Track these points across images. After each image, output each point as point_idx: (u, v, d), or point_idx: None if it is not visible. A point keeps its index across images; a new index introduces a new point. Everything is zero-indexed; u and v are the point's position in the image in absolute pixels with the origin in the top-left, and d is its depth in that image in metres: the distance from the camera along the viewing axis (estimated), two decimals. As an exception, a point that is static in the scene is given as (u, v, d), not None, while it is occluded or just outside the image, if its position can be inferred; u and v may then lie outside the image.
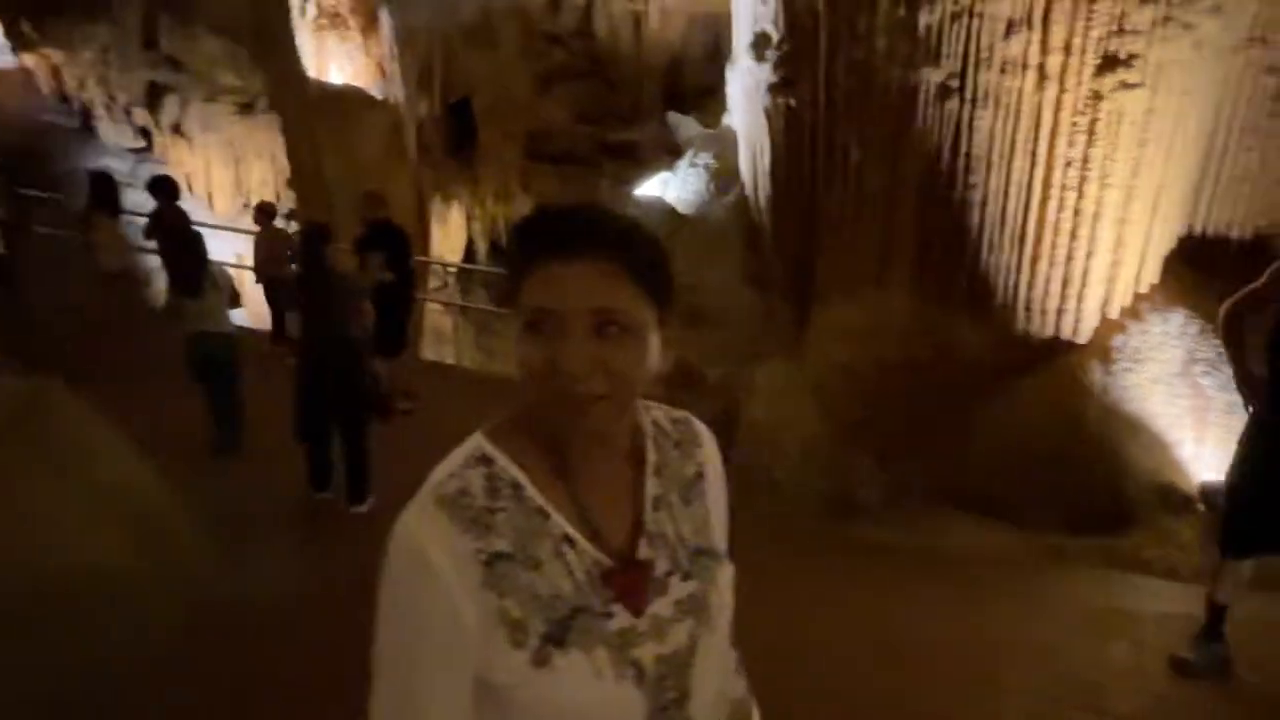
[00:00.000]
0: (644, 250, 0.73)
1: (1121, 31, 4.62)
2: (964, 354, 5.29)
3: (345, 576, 3.65)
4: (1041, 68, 4.79)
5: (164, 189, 6.63)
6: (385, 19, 13.64)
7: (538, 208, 0.76)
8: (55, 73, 10.01)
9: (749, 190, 6.48)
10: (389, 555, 0.72)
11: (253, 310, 7.10)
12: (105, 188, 6.99)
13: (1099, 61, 4.70)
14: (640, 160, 11.20)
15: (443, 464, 0.76)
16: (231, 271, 5.92)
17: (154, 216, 6.71)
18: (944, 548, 4.57)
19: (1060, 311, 5.07)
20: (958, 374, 5.25)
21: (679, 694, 0.77)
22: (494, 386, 7.60)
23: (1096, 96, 4.73)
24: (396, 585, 0.72)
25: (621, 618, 0.74)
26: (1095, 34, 4.68)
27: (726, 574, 0.83)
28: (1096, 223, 4.89)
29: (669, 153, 8.86)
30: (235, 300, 5.06)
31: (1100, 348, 5.04)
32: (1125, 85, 4.66)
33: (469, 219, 14.43)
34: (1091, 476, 4.77)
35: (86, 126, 10.03)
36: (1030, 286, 5.09)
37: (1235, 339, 2.59)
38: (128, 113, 9.98)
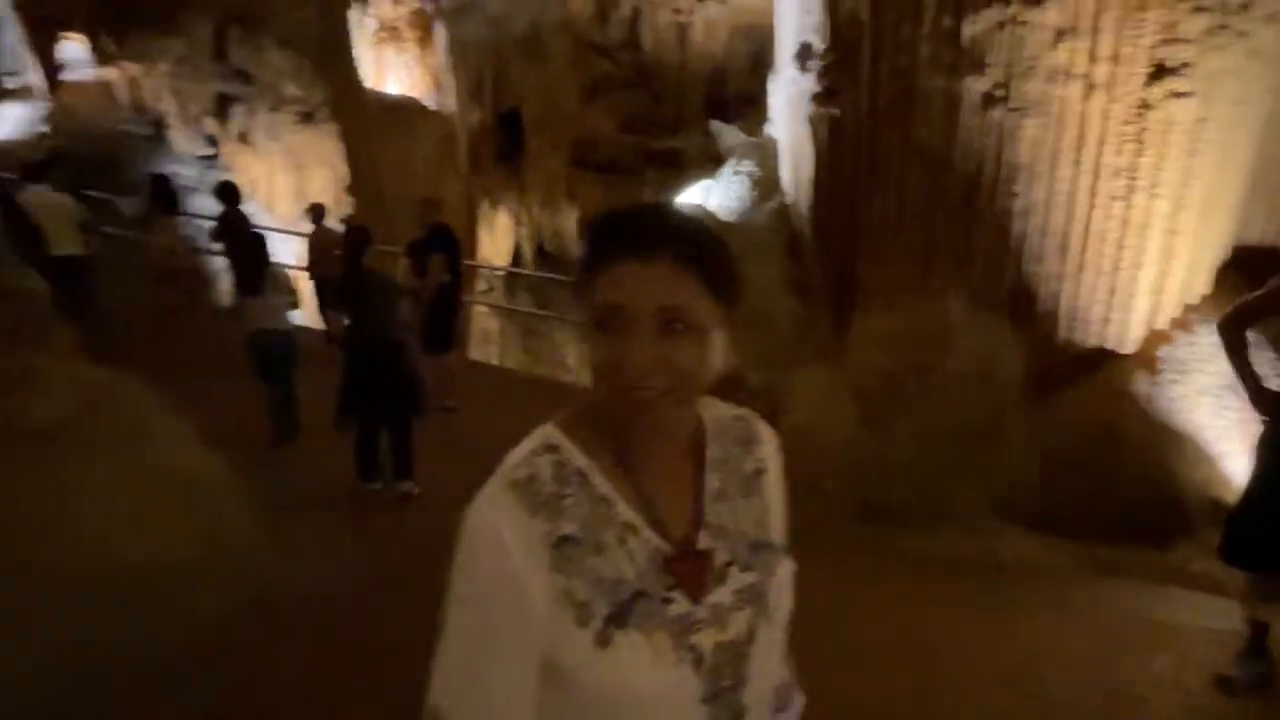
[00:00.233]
0: (712, 251, 0.76)
1: (1172, 40, 4.57)
2: (1007, 363, 5.25)
3: (390, 560, 3.88)
4: (1089, 77, 4.76)
5: (229, 194, 7.00)
6: (440, 32, 14.07)
7: (610, 208, 0.79)
8: (133, 84, 10.57)
9: (790, 198, 6.53)
10: (462, 536, 0.75)
11: (312, 310, 7.41)
12: (164, 190, 7.43)
13: (1149, 70, 4.64)
14: (683, 168, 11.31)
15: (514, 451, 0.80)
16: (292, 273, 6.21)
17: (220, 220, 7.09)
18: (986, 557, 4.53)
19: (1105, 321, 5.00)
20: (1001, 383, 5.21)
21: (735, 680, 0.79)
22: (536, 388, 7.78)
23: (1146, 106, 4.67)
24: (469, 564, 0.75)
25: (681, 604, 0.77)
26: (1145, 43, 4.62)
27: (786, 568, 0.86)
28: (1144, 232, 4.82)
29: (712, 161, 8.94)
30: (295, 300, 5.33)
31: (1146, 358, 4.95)
32: (1176, 94, 4.60)
33: (516, 225, 14.72)
34: (1136, 488, 4.69)
35: (159, 135, 10.56)
36: (1074, 296, 5.03)
37: (1233, 349, 2.62)
38: (198, 122, 10.49)
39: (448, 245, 5.79)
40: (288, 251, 8.19)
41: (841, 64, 5.63)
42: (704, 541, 0.80)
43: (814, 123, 5.87)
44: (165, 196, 7.29)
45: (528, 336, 13.67)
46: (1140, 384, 4.92)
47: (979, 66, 5.02)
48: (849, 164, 5.73)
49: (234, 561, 3.24)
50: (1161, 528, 4.59)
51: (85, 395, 3.18)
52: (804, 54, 5.92)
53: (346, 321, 4.46)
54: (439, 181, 11.98)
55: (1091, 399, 4.98)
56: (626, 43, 13.93)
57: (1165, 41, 4.56)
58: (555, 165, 14.00)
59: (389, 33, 14.28)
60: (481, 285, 13.50)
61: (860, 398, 5.60)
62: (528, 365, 12.70)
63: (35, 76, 11.71)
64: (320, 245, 7.00)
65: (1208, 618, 3.67)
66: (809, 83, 5.85)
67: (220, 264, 7.84)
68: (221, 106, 10.40)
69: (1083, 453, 4.87)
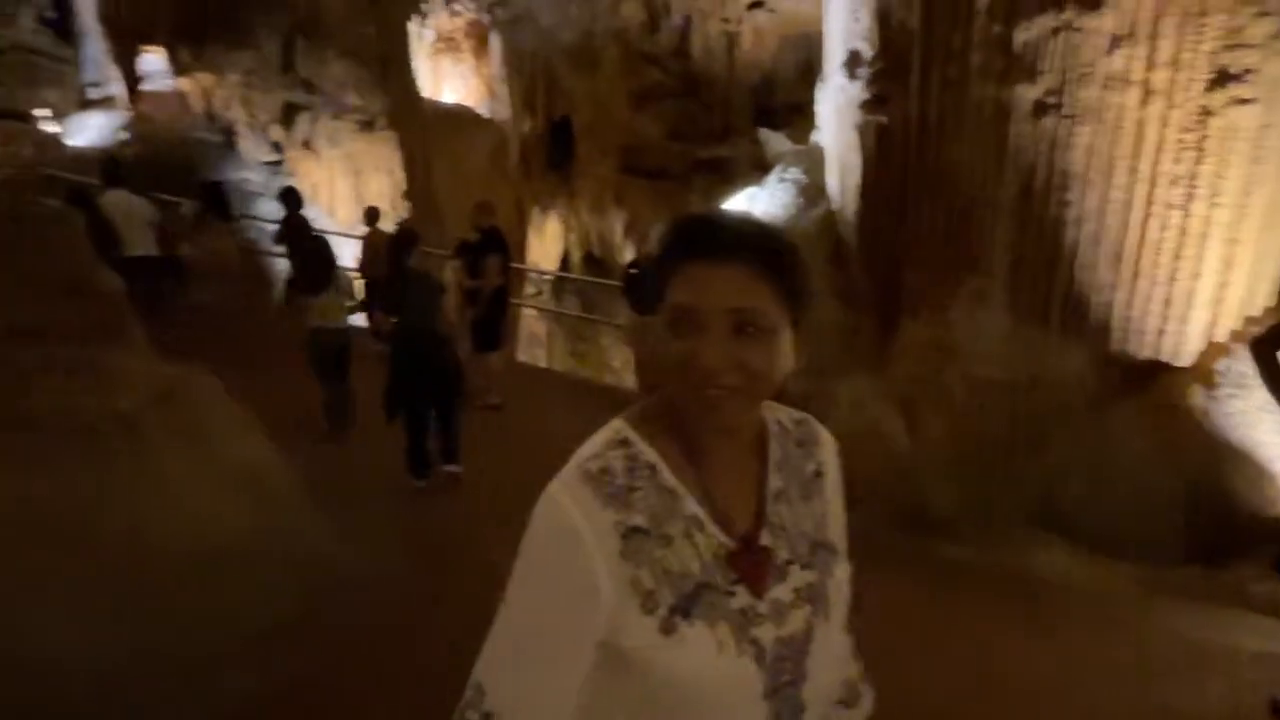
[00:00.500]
0: (784, 255, 0.78)
1: (1235, 45, 4.45)
2: (1058, 374, 5.15)
3: (437, 546, 4.02)
4: (1147, 83, 4.66)
5: (291, 199, 7.32)
6: (495, 43, 14.41)
7: (685, 213, 0.82)
8: (206, 94, 11.08)
9: (836, 205, 6.52)
10: (533, 521, 0.78)
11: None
12: (216, 195, 7.82)
13: (1210, 76, 4.53)
14: (730, 176, 11.34)
15: (587, 444, 0.82)
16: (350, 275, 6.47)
17: (282, 223, 7.41)
18: (1033, 572, 4.44)
19: (1161, 333, 4.87)
20: (1051, 394, 5.12)
21: (794, 676, 0.81)
22: (581, 389, 7.91)
23: (1207, 112, 4.56)
24: (538, 549, 0.77)
25: (743, 597, 0.79)
26: (1206, 48, 4.51)
27: (844, 569, 0.88)
28: (1204, 242, 4.69)
29: (759, 169, 8.97)
30: (355, 304, 5.57)
31: (1203, 371, 4.81)
32: (1238, 101, 4.48)
33: (565, 230, 14.94)
34: (1190, 506, 4.56)
35: (229, 142, 11.05)
36: (1129, 306, 4.91)
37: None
38: (265, 130, 10.95)
39: (499, 248, 5.98)
40: (346, 254, 8.49)
41: (890, 71, 5.62)
42: (765, 538, 0.82)
43: (861, 130, 5.87)
44: (217, 202, 7.66)
45: (575, 340, 13.86)
46: (1197, 398, 4.78)
47: (1031, 73, 4.95)
48: (897, 171, 5.70)
49: (293, 549, 3.39)
50: (1217, 547, 4.45)
51: (159, 389, 3.34)
52: (852, 62, 5.92)
53: (394, 319, 4.67)
54: (491, 187, 12.25)
55: (1145, 413, 4.86)
56: (676, 51, 14.03)
57: (1228, 47, 4.45)
58: (604, 172, 14.18)
59: (446, 43, 14.70)
60: (530, 289, 13.73)
61: (905, 407, 5.56)
62: (574, 368, 12.87)
63: (118, 87, 12.40)
64: (373, 247, 7.27)
65: (1263, 640, 3.56)
66: (857, 90, 5.85)
67: (283, 266, 8.18)
68: (287, 115, 10.85)
69: (1135, 468, 4.75)
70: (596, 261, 14.43)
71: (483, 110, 14.53)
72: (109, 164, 9.08)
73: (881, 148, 5.78)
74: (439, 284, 4.93)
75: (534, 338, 13.90)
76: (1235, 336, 4.83)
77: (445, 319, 4.78)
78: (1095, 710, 2.86)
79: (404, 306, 4.59)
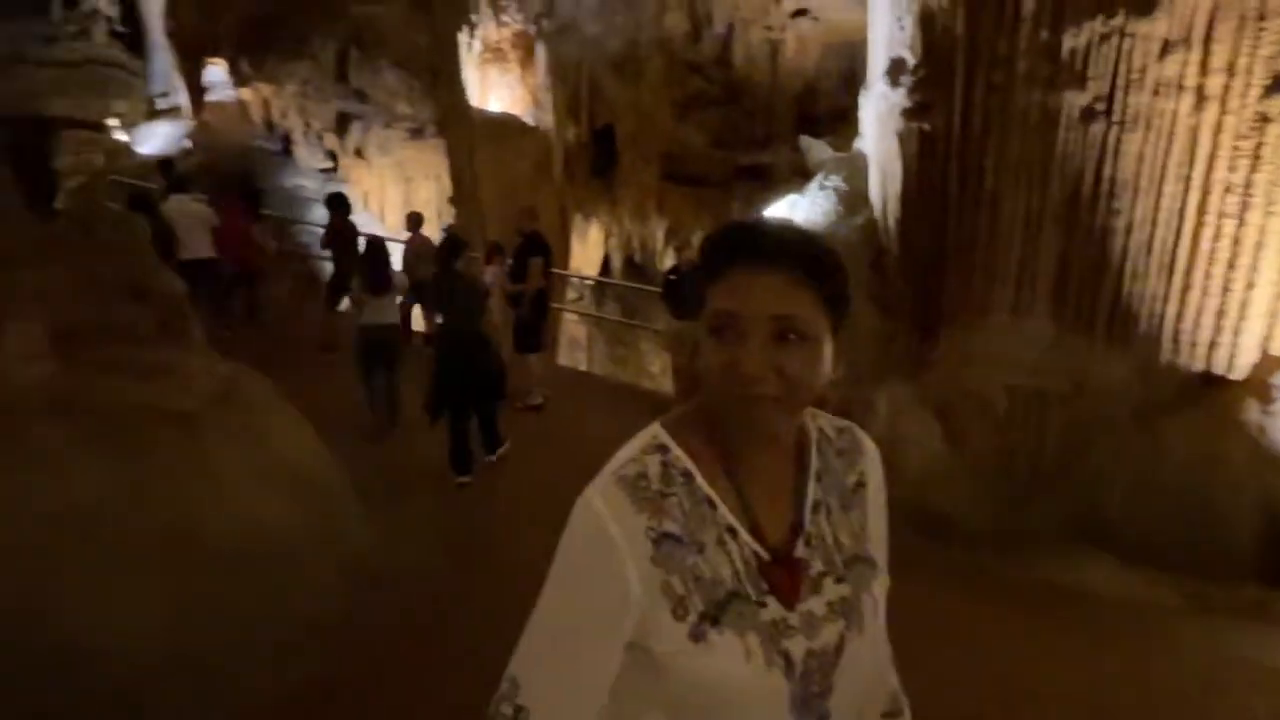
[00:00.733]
0: (826, 263, 0.77)
1: (1295, 50, 4.32)
2: (1103, 385, 5.04)
3: (478, 541, 4.13)
4: (1200, 89, 4.55)
5: (337, 204, 7.58)
6: (541, 53, 14.65)
7: (729, 221, 0.83)
8: (265, 104, 11.53)
9: (878, 213, 6.48)
10: (570, 525, 0.79)
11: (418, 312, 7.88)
12: (250, 197, 8.15)
13: (1267, 82, 4.40)
14: (772, 183, 11.33)
15: (624, 449, 0.82)
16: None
17: (327, 228, 7.68)
18: (1077, 586, 4.35)
19: (1213, 345, 4.73)
20: (1096, 405, 5.01)
21: (823, 688, 0.80)
22: (619, 392, 7.98)
23: (1263, 119, 4.43)
24: (573, 551, 0.78)
25: (774, 609, 0.78)
26: (1264, 53, 4.39)
27: (882, 583, 0.86)
28: (1259, 252, 4.55)
29: (800, 176, 8.94)
30: (409, 308, 5.77)
31: (1258, 385, 4.65)
32: (1297, 107, 4.35)
33: (607, 236, 15.09)
34: (1241, 522, 4.41)
35: (286, 150, 11.46)
36: (1179, 318, 4.79)
37: None
38: (320, 138, 11.33)
39: (541, 252, 6.12)
40: (396, 258, 8.72)
41: (934, 78, 5.57)
42: (800, 550, 0.81)
43: (904, 137, 5.83)
44: (250, 205, 7.98)
45: (614, 344, 13.97)
46: (1250, 412, 4.63)
47: (1079, 80, 4.87)
48: (939, 179, 5.65)
49: (340, 541, 3.50)
50: (1268, 565, 4.30)
51: (217, 389, 3.45)
52: (896, 69, 5.89)
53: (439, 320, 4.82)
54: (535, 194, 12.46)
55: (1196, 426, 4.72)
56: (719, 60, 14.09)
57: (1286, 52, 4.32)
58: (646, 179, 14.29)
59: (493, 54, 14.98)
60: (572, 294, 13.89)
61: (945, 415, 5.49)
62: (613, 371, 12.97)
63: (183, 98, 12.99)
64: (416, 251, 7.45)
65: (1317, 662, 3.45)
66: (900, 98, 5.82)
67: (328, 268, 8.43)
68: (341, 124, 11.21)
69: (1184, 482, 4.62)
70: (637, 267, 14.53)
71: (528, 119, 14.77)
72: (170, 170, 9.53)
73: (924, 154, 5.74)
74: (484, 288, 5.09)
75: (575, 342, 14.06)
76: (1292, 349, 4.67)
77: (489, 322, 4.93)
78: (1134, 727, 2.81)
79: (450, 309, 4.75)
